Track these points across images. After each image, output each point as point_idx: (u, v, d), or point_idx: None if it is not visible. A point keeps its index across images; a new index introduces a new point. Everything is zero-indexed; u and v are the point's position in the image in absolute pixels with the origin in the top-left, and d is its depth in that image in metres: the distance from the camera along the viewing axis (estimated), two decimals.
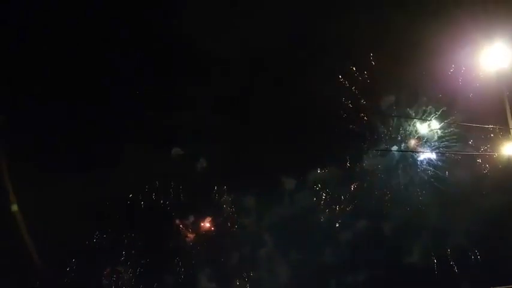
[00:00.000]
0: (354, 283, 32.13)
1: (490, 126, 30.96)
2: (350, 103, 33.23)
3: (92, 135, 32.53)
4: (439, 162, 32.63)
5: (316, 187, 34.46)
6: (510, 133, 23.26)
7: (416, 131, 32.62)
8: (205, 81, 33.51)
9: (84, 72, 32.77)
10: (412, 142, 32.89)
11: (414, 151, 33.01)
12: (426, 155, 32.55)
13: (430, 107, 31.49)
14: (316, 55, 32.56)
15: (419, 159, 32.86)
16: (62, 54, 32.26)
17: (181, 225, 33.74)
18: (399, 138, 33.19)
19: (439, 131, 32.18)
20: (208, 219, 33.91)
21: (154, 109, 32.65)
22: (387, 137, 33.36)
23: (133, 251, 32.41)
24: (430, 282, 30.88)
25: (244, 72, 33.74)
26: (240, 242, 33.53)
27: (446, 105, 30.93)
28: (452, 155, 32.25)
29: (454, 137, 31.75)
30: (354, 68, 32.56)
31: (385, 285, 31.56)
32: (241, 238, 33.63)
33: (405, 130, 32.80)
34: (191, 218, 33.81)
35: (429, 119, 32.06)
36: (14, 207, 28.06)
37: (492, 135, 29.42)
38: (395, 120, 32.75)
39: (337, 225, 33.88)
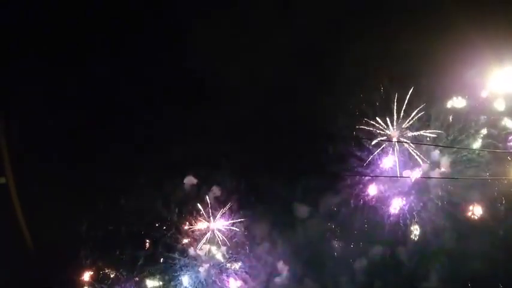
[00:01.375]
0: None
1: (501, 151, 31.16)
2: (361, 130, 33.52)
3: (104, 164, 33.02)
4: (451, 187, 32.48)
5: (329, 214, 34.50)
6: None
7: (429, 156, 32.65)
8: (217, 110, 33.94)
9: (97, 101, 33.57)
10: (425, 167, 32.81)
11: (427, 177, 32.83)
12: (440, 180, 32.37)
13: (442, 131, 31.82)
14: (325, 83, 33.10)
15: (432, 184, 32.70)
16: (72, 88, 33.19)
17: (194, 253, 33.51)
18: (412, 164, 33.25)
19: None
20: (223, 248, 33.64)
21: (168, 138, 33.11)
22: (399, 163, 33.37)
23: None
24: None
25: (255, 101, 34.15)
26: (254, 270, 33.35)
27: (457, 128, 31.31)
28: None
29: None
30: (364, 95, 32.97)
31: None
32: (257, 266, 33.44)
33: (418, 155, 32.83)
34: (205, 247, 33.61)
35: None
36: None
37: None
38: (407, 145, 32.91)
39: (351, 253, 33.72)
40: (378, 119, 32.56)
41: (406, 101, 31.64)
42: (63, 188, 30.59)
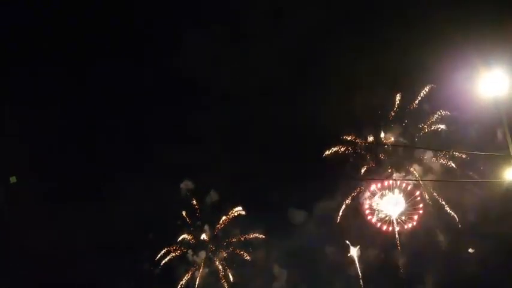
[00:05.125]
0: None
1: (491, 153, 31.64)
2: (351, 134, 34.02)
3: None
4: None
5: (323, 219, 34.74)
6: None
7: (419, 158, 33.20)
8: (212, 115, 34.33)
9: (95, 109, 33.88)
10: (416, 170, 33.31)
11: (419, 179, 33.28)
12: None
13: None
14: (319, 90, 33.66)
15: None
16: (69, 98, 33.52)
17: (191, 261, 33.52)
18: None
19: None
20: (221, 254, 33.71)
21: (164, 144, 33.39)
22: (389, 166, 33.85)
23: None
24: None
25: (253, 107, 34.52)
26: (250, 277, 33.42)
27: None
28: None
29: None
30: (357, 102, 33.46)
31: None
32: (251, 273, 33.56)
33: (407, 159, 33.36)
34: (202, 254, 33.68)
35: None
36: None
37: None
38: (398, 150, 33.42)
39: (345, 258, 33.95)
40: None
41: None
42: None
